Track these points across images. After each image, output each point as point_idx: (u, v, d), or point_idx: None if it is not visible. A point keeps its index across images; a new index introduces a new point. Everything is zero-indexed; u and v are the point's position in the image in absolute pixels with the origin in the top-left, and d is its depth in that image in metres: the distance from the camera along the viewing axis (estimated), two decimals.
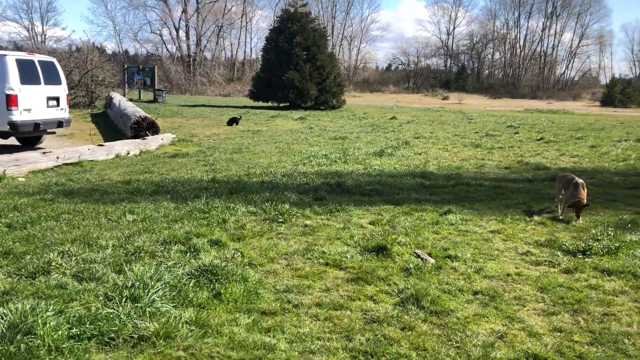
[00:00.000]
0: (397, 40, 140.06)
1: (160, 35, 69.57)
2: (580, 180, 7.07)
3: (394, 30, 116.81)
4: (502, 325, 3.91)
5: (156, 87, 35.36)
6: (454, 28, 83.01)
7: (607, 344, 3.64)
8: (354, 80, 75.32)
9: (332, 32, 75.77)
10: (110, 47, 73.00)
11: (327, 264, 5.06)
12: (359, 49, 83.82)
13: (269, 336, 3.62)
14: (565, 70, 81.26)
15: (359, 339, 3.62)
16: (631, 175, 10.57)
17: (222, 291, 4.21)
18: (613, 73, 78.70)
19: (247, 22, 74.09)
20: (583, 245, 5.65)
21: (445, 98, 59.34)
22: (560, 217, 7.06)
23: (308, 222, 6.54)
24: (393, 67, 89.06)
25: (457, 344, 3.59)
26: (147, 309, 3.78)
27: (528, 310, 4.19)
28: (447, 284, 4.65)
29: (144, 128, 15.24)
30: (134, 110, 17.62)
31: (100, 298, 3.97)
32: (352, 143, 15.52)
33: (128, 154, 12.72)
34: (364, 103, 44.75)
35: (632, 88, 56.65)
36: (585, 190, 7.00)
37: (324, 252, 5.34)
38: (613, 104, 52.39)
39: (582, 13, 76.12)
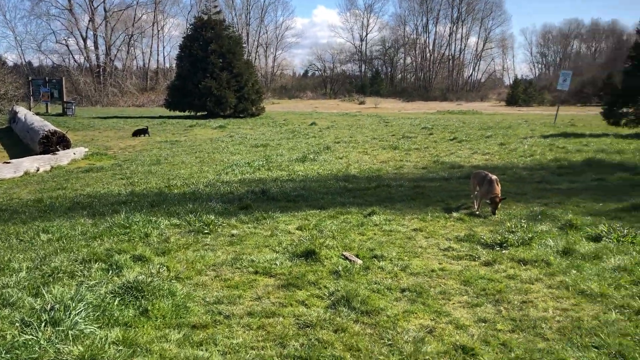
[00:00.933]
0: (312, 46, 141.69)
1: (67, 46, 66.10)
2: (493, 177, 7.46)
3: (308, 36, 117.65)
4: (431, 320, 4.05)
5: (65, 100, 33.75)
6: (367, 34, 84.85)
7: (527, 330, 3.86)
8: (271, 87, 75.21)
9: (248, 39, 75.36)
10: (11, 58, 68.24)
11: (256, 272, 5.03)
12: (275, 56, 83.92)
13: (202, 350, 3.54)
14: (472, 73, 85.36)
15: (293, 345, 3.62)
16: (538, 170, 11.27)
17: (149, 307, 4.07)
18: (516, 74, 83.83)
19: (158, 31, 72.12)
20: (499, 238, 5.95)
21: (361, 103, 60.56)
22: (477, 213, 7.40)
23: (235, 231, 6.46)
24: (310, 74, 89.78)
25: (389, 342, 3.67)
26: (70, 332, 3.58)
27: (453, 303, 4.36)
28: (375, 283, 4.75)
29: (54, 143, 14.48)
30: (42, 124, 16.71)
31: (17, 324, 3.72)
32: (274, 150, 15.52)
33: (38, 170, 12.04)
34: (283, 110, 44.87)
35: (533, 88, 60.46)
36: (499, 185, 7.38)
37: (253, 261, 5.30)
38: (517, 103, 55.68)
39: (485, 18, 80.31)
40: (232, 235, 6.32)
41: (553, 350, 3.52)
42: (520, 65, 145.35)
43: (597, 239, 5.97)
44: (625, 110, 19.79)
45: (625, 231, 6.07)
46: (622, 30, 77.67)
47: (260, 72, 67.94)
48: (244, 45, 43.25)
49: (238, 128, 24.47)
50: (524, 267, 5.16)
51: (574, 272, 4.94)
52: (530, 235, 5.98)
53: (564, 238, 5.99)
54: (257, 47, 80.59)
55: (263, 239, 6.16)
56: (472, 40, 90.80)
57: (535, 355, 3.46)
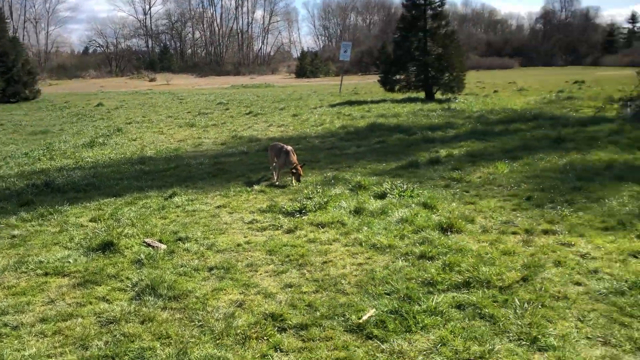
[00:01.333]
0: (90, 21, 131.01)
1: None
2: (289, 147, 7.74)
3: (85, 10, 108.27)
4: (240, 293, 4.09)
5: None
6: (150, 7, 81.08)
7: (329, 288, 4.13)
8: (47, 67, 67.73)
9: (12, 14, 66.65)
10: None
11: (47, 274, 4.56)
12: (47, 32, 75.67)
13: None
14: (261, 46, 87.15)
15: (97, 345, 3.38)
16: (328, 137, 12.00)
17: None
18: (302, 47, 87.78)
19: None
20: (299, 205, 6.24)
21: (152, 80, 57.89)
22: (277, 183, 7.64)
23: (16, 232, 5.77)
24: (91, 50, 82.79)
25: (200, 323, 3.63)
26: None
27: (261, 274, 4.47)
28: (182, 266, 4.64)
29: None
30: None
31: None
32: (56, 136, 14.11)
33: None
34: (64, 91, 40.81)
35: (319, 59, 63.89)
36: (295, 155, 7.70)
37: (42, 262, 4.80)
38: (306, 75, 58.35)
39: None
40: (13, 236, 5.63)
41: (353, 303, 3.82)
42: (306, 37, 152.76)
43: (382, 196, 6.60)
44: (398, 77, 22.00)
45: (405, 187, 6.81)
46: (391, 3, 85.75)
47: (31, 50, 60.77)
48: (7, 20, 38.08)
49: (10, 115, 21.64)
50: (322, 230, 5.49)
51: (366, 228, 5.41)
52: (325, 200, 6.36)
53: (355, 198, 6.50)
54: (25, 22, 71.85)
55: (51, 236, 5.59)
56: (259, 14, 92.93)
57: (338, 311, 3.72)
